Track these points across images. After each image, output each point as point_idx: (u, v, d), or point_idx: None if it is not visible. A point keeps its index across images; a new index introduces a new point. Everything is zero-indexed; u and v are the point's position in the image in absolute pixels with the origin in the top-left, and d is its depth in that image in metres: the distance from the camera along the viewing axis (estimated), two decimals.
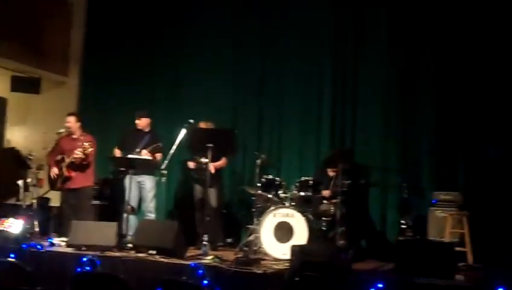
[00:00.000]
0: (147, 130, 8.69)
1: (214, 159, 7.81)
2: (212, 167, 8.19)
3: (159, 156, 8.39)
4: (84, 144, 8.06)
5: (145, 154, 8.24)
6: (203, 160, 7.71)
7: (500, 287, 5.23)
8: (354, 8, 9.18)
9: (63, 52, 11.21)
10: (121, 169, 8.45)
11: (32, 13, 10.35)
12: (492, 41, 8.24)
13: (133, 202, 8.37)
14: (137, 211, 8.60)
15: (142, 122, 8.68)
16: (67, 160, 8.21)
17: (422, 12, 8.77)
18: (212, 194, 8.28)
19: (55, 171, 8.32)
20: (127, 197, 8.02)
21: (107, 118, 10.65)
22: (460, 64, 8.46)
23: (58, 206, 9.04)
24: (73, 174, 8.27)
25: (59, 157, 8.38)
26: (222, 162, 8.58)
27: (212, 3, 10.15)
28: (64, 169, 8.26)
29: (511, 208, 7.78)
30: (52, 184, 8.44)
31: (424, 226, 7.89)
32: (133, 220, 8.26)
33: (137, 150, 8.38)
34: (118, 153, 8.67)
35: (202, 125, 8.36)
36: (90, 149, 8.08)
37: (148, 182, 8.48)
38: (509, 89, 8.13)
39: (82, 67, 11.21)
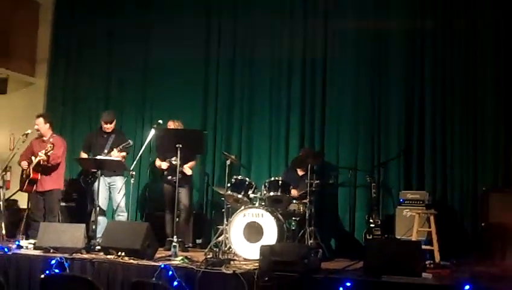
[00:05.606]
0: (110, 130, 8.54)
1: (184, 160, 7.78)
2: (188, 169, 8.19)
3: (124, 154, 8.32)
4: (48, 145, 7.99)
5: (116, 156, 8.11)
6: (174, 160, 7.68)
7: (467, 285, 5.30)
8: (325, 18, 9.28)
9: (31, 52, 11.08)
10: (93, 171, 8.30)
11: None
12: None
13: (103, 204, 8.30)
14: (106, 212, 8.51)
15: (112, 126, 8.54)
16: (34, 162, 8.12)
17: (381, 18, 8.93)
18: (183, 195, 8.25)
19: (24, 165, 8.23)
20: (96, 199, 7.93)
21: (75, 119, 10.58)
22: (425, 68, 8.61)
23: (26, 209, 8.91)
24: (38, 176, 8.17)
25: (29, 159, 8.28)
26: (193, 163, 8.56)
27: (185, 7, 10.12)
28: (30, 171, 8.16)
29: (476, 207, 7.93)
30: (22, 185, 8.33)
31: (392, 225, 7.99)
32: (102, 221, 8.20)
33: (105, 151, 8.28)
34: (84, 156, 8.59)
35: (170, 124, 8.33)
36: (51, 151, 7.98)
37: (118, 182, 8.39)
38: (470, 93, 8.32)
39: (50, 67, 11.09)
